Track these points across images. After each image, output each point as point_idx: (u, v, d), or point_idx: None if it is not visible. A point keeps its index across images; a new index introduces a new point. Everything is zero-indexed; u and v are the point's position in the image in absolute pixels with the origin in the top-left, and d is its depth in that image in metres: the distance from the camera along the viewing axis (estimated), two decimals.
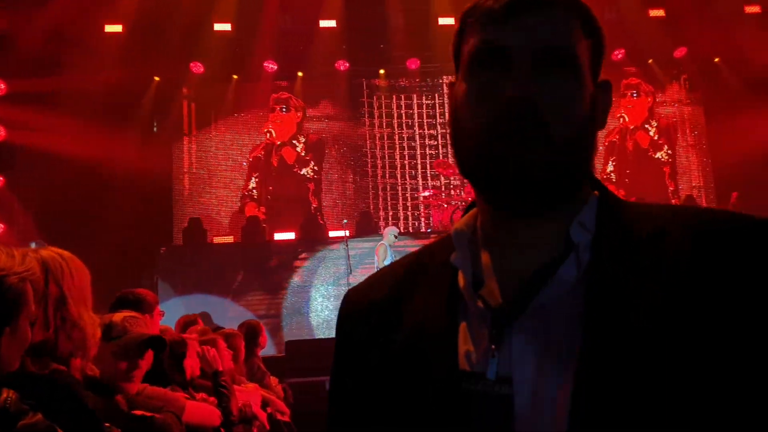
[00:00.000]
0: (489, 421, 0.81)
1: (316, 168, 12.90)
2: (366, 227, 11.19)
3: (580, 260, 0.83)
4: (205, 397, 3.44)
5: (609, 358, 0.76)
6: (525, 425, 0.79)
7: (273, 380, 5.21)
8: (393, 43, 12.39)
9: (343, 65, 12.73)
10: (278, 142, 12.89)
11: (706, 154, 12.75)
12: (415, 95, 13.37)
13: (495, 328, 0.83)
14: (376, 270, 6.42)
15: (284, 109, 13.05)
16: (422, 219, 12.70)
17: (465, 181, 9.28)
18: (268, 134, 12.93)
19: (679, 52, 12.27)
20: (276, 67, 12.59)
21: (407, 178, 13.03)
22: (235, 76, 12.70)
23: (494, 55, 0.84)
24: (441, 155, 13.05)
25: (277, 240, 11.16)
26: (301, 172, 12.89)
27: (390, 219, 12.78)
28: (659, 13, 11.64)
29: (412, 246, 10.43)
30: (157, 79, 12.09)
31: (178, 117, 12.73)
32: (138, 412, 2.52)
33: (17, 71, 10.13)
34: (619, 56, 12.04)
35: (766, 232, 0.80)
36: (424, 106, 13.37)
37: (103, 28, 11.11)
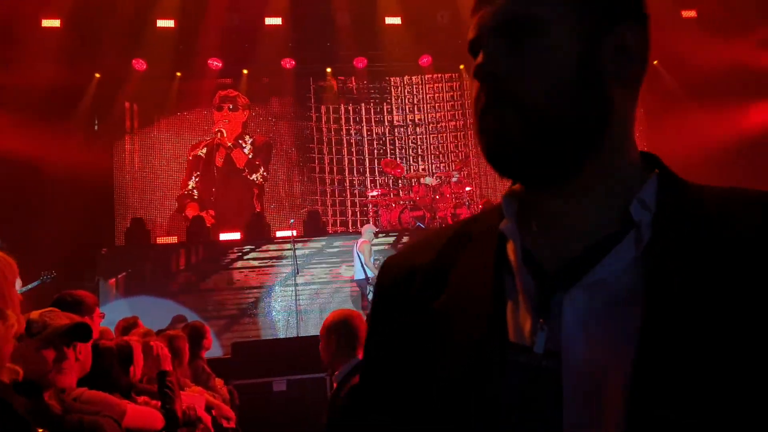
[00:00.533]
0: (533, 395, 0.79)
1: (265, 174, 12.75)
2: (314, 227, 11.13)
3: (641, 238, 0.80)
4: (148, 400, 3.36)
5: (673, 340, 0.73)
6: (572, 402, 0.76)
7: (219, 382, 5.13)
8: (340, 41, 12.34)
9: (289, 63, 12.62)
10: (229, 144, 12.70)
11: None
12: (362, 94, 13.36)
13: (545, 301, 0.81)
14: (359, 268, 6.42)
15: (231, 108, 12.87)
16: (370, 219, 12.70)
17: (413, 180, 9.38)
18: (219, 134, 12.71)
19: None
20: (221, 65, 12.41)
21: (355, 176, 13.01)
22: (178, 74, 12.47)
23: (474, 47, 0.87)
24: (389, 155, 13.07)
25: (222, 240, 10.99)
26: (251, 177, 12.72)
27: (338, 218, 12.74)
28: None
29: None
30: (98, 75, 11.79)
31: (119, 115, 12.43)
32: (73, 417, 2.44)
33: None
34: None
35: None
36: (372, 104, 13.37)
37: (40, 22, 10.78)
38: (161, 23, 11.59)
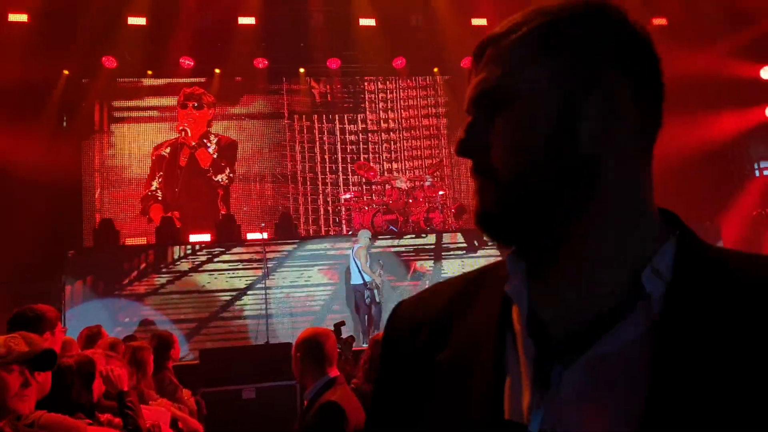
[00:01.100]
0: None
1: (231, 175, 12.63)
2: (285, 230, 11.04)
3: (651, 311, 0.75)
4: (110, 418, 3.29)
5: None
6: None
7: (186, 393, 5.05)
8: (313, 42, 12.29)
9: (262, 63, 12.52)
10: (193, 143, 12.55)
11: None
12: (335, 95, 13.30)
13: (543, 375, 0.77)
14: (356, 273, 6.45)
15: (196, 106, 12.71)
16: (343, 222, 12.65)
17: (386, 184, 9.32)
18: (183, 132, 12.56)
19: None
20: (193, 64, 12.27)
21: (328, 178, 12.95)
22: (149, 72, 12.31)
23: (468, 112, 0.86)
24: (362, 157, 13.03)
25: (192, 242, 10.87)
26: (216, 179, 12.59)
27: (310, 221, 12.67)
28: None
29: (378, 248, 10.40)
30: (66, 72, 11.59)
31: (89, 113, 12.24)
32: None
33: None
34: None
35: None
36: (345, 106, 13.32)
37: (7, 16, 10.57)
38: (132, 20, 11.45)
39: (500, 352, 0.82)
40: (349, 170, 12.91)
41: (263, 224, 10.52)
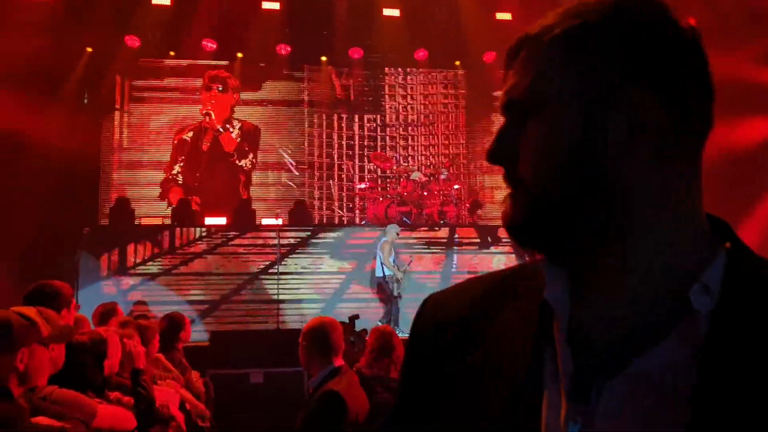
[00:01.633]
0: None
1: (254, 161, 12.65)
2: (300, 216, 11.06)
3: (698, 330, 0.72)
4: (120, 396, 3.33)
5: None
6: None
7: (195, 374, 5.09)
8: (336, 30, 12.24)
9: (284, 49, 12.51)
10: (217, 126, 12.57)
11: None
12: (356, 85, 13.27)
13: (581, 388, 0.75)
14: (378, 266, 6.60)
15: (221, 89, 12.72)
16: (357, 211, 12.66)
17: (402, 174, 9.33)
18: (207, 117, 12.57)
19: None
20: (215, 47, 12.27)
21: (345, 166, 12.94)
22: (172, 53, 12.33)
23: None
24: (379, 147, 13.02)
25: (207, 224, 10.92)
26: (239, 163, 12.60)
27: (324, 208, 12.69)
28: None
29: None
30: (89, 50, 11.63)
31: (110, 91, 12.28)
32: (41, 419, 2.41)
33: None
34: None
35: None
36: (365, 96, 13.29)
37: None
38: (156, 0, 11.45)
39: (538, 361, 0.80)
40: (366, 160, 12.88)
41: (278, 211, 10.55)
